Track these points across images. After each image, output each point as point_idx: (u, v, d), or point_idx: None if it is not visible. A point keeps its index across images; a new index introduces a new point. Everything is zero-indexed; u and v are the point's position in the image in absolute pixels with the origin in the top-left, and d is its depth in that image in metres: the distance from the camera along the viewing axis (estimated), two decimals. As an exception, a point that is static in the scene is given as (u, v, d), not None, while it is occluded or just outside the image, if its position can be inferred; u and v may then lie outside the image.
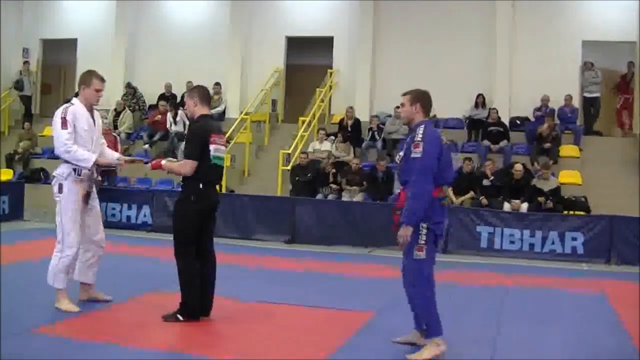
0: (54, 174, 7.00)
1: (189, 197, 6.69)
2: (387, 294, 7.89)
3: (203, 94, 6.88)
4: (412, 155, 5.79)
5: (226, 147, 7.00)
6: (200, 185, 6.66)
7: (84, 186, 6.98)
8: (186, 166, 6.65)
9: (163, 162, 6.86)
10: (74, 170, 6.87)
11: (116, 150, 15.17)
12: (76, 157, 6.79)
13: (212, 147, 6.67)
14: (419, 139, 5.81)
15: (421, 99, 6.09)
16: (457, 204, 14.22)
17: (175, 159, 7.10)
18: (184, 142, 6.84)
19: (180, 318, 6.59)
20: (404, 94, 6.15)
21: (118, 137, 15.98)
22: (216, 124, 7.15)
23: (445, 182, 6.04)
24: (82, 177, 6.92)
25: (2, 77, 20.99)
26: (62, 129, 6.79)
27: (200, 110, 6.81)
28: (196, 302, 6.66)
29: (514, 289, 9.47)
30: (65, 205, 6.85)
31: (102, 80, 7.13)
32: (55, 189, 6.91)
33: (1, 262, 8.87)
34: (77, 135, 6.85)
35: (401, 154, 6.04)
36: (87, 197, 7.03)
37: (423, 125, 5.92)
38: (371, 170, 15.31)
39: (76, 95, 7.47)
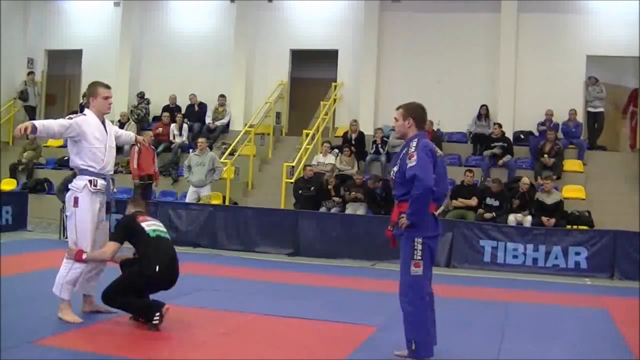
0: (69, 186, 7.02)
1: (144, 272, 6.79)
2: (389, 308, 7.83)
3: (137, 201, 7.53)
4: (408, 165, 5.79)
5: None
6: (157, 269, 6.77)
7: (100, 198, 7.01)
8: (107, 250, 6.89)
9: (84, 256, 6.84)
10: (90, 182, 6.90)
11: (153, 164, 15.43)
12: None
13: (143, 224, 6.98)
14: (413, 150, 5.82)
15: (414, 113, 6.07)
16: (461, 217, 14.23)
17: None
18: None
19: (156, 321, 6.63)
20: (397, 108, 6.15)
21: (155, 151, 16.11)
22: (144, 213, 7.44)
23: (438, 196, 6.01)
24: (99, 188, 6.94)
25: (7, 87, 21.06)
26: (62, 117, 6.96)
27: (132, 210, 7.30)
28: (149, 303, 6.77)
29: (516, 304, 9.43)
30: (80, 219, 6.86)
31: (108, 87, 7.22)
32: (71, 201, 6.92)
33: (3, 273, 8.85)
34: (89, 144, 6.89)
35: (395, 168, 6.02)
36: (106, 208, 7.11)
37: (416, 139, 5.92)
38: (369, 189, 15.19)
39: (82, 107, 7.54)
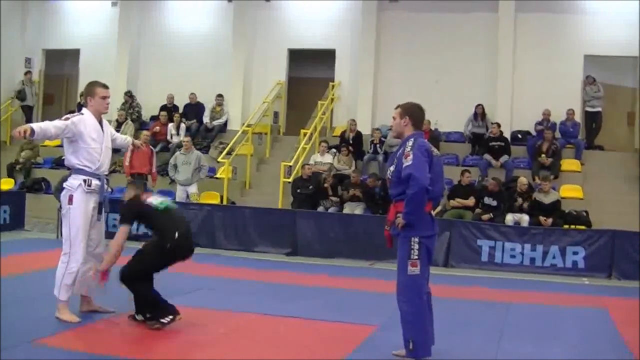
0: (64, 185, 7.02)
1: (165, 244, 6.77)
2: (388, 308, 7.81)
3: (136, 184, 7.40)
4: (404, 164, 5.80)
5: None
6: (176, 235, 6.78)
7: (95, 197, 6.99)
8: (118, 236, 6.84)
9: (101, 267, 6.88)
10: (84, 181, 6.90)
11: (151, 163, 15.43)
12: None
13: (149, 200, 6.97)
14: (409, 150, 5.83)
15: (411, 112, 6.10)
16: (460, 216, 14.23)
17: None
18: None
19: (165, 321, 6.65)
20: (396, 108, 6.18)
21: (153, 150, 16.06)
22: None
23: (435, 195, 6.03)
24: (93, 188, 6.94)
25: (5, 87, 21.02)
26: (59, 119, 6.92)
27: (131, 195, 7.14)
28: (165, 303, 6.75)
29: (514, 304, 9.43)
30: (74, 217, 6.85)
31: (106, 87, 7.23)
32: (65, 200, 6.91)
33: (2, 273, 8.83)
34: (85, 144, 6.90)
35: (392, 168, 6.03)
36: (98, 208, 7.07)
37: (412, 138, 5.93)
38: (367, 188, 15.18)
39: (80, 107, 7.52)
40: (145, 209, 6.93)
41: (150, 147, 15.94)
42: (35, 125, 6.70)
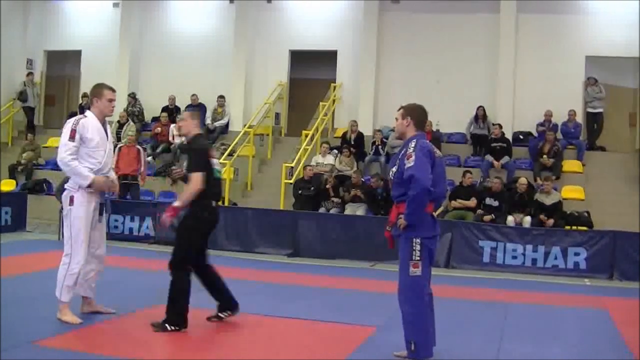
0: (65, 186, 7.01)
1: (199, 213, 6.84)
2: (389, 309, 7.79)
3: (199, 117, 7.42)
4: (406, 165, 5.80)
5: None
6: (213, 203, 6.94)
7: (96, 198, 6.99)
8: (197, 182, 6.79)
9: (175, 204, 6.87)
10: None
11: (140, 163, 15.41)
12: (75, 172, 6.82)
13: (212, 161, 7.02)
14: (411, 151, 5.84)
15: (413, 113, 6.11)
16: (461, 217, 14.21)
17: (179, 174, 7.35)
18: (187, 158, 7.07)
19: (169, 328, 6.63)
20: (399, 109, 6.20)
21: (142, 150, 15.99)
22: (209, 142, 7.47)
23: (437, 196, 6.03)
24: (94, 189, 6.94)
25: (7, 88, 21.03)
26: (69, 140, 6.85)
27: (197, 130, 7.20)
28: (184, 314, 6.72)
29: (516, 304, 9.43)
30: (75, 218, 6.85)
31: (113, 90, 7.26)
32: (66, 201, 6.91)
33: (3, 273, 8.84)
34: (87, 147, 6.91)
35: (394, 169, 6.04)
36: (99, 209, 7.07)
37: (415, 139, 5.94)
38: (370, 188, 15.19)
39: (81, 108, 7.52)
40: (208, 165, 6.95)
41: (138, 147, 15.92)
42: (88, 174, 6.87)
